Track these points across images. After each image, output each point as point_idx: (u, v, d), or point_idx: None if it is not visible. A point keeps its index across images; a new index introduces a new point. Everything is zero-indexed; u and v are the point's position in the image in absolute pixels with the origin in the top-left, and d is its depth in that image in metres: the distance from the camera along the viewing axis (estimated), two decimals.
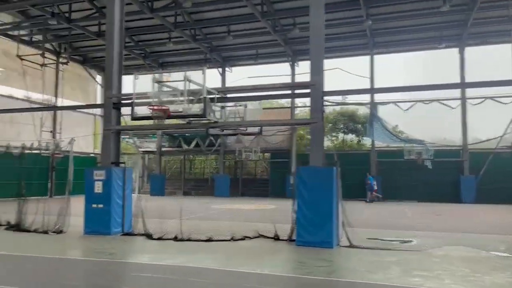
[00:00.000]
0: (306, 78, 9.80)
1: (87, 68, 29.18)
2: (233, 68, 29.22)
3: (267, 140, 26.96)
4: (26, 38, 24.59)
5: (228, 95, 10.14)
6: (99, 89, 30.30)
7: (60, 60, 26.58)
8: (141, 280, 6.20)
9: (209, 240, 9.51)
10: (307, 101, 34.55)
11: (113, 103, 11.07)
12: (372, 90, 23.01)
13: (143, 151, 31.91)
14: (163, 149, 30.95)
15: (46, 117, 23.93)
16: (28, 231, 10.97)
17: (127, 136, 30.34)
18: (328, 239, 8.77)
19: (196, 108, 9.03)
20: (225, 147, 28.67)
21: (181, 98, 8.41)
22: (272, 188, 28.29)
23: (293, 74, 27.23)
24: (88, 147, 29.06)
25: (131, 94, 11.11)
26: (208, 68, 29.76)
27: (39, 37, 25.14)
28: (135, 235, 10.39)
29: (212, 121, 9.68)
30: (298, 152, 27.75)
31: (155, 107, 8.66)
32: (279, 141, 27.54)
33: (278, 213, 15.50)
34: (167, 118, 8.83)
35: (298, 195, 9.05)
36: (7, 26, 22.86)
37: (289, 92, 10.09)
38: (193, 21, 23.39)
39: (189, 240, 9.57)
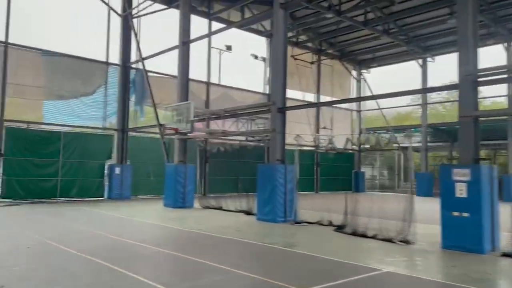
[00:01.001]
0: None
1: (344, 63, 28.51)
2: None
3: None
4: (293, 39, 25.55)
5: None
6: (354, 84, 29.28)
7: (322, 57, 26.73)
8: None
9: None
10: None
11: (472, 81, 8.60)
12: None
13: (400, 146, 29.12)
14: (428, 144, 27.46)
15: (314, 114, 24.19)
16: (365, 236, 9.69)
17: (384, 131, 28.30)
18: None
19: None
20: None
21: None
22: None
23: None
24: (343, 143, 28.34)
25: (497, 68, 8.45)
26: (493, 44, 24.03)
27: (303, 37, 25.79)
28: None
29: None
30: None
31: None
32: None
33: None
34: None
35: None
36: None
37: None
38: None
39: None
